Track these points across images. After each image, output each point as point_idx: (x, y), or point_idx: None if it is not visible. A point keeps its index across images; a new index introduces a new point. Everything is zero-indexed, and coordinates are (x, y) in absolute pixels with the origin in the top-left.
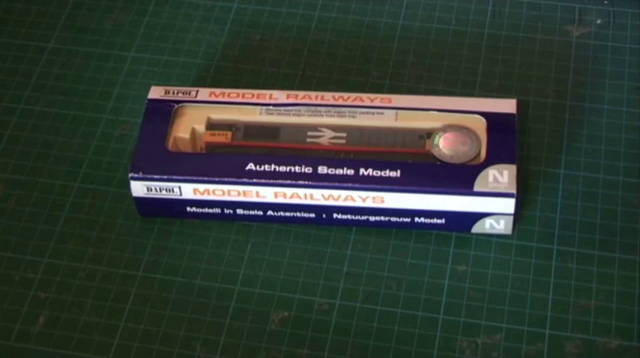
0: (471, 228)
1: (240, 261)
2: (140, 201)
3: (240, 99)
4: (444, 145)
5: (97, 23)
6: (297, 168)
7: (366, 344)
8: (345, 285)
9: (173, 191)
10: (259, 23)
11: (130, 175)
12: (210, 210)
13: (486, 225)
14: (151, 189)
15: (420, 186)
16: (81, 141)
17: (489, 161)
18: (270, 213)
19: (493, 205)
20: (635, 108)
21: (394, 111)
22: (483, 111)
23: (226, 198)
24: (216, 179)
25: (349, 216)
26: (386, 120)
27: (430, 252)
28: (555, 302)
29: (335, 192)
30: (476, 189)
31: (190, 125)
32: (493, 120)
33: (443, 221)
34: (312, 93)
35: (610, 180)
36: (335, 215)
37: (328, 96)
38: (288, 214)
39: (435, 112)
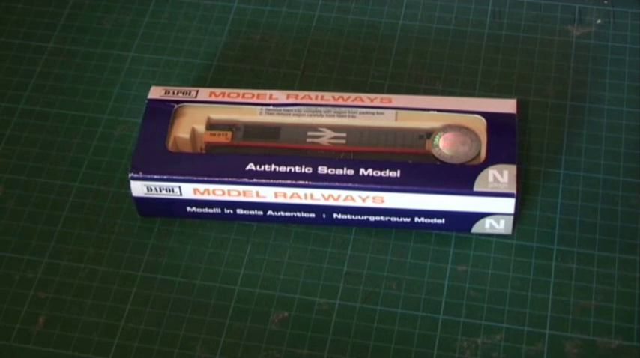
0: (471, 228)
1: (240, 261)
2: (140, 201)
3: (240, 99)
4: (444, 145)
5: (97, 23)
6: (297, 168)
7: (366, 344)
8: (345, 285)
9: (173, 191)
10: (259, 23)
11: (130, 175)
12: (210, 210)
13: (486, 225)
14: (151, 189)
15: (420, 186)
16: (81, 141)
17: (489, 161)
18: (270, 213)
19: (493, 205)
20: (635, 108)
21: (394, 111)
22: (483, 111)
23: (226, 198)
24: (216, 179)
25: (349, 216)
26: (386, 120)
27: (430, 252)
28: (555, 302)
29: (335, 192)
30: (476, 189)
31: (190, 125)
32: (493, 120)
33: (443, 221)
34: (312, 94)
35: (610, 180)
36: (335, 215)
37: (328, 96)
38: (288, 214)
39: (435, 112)
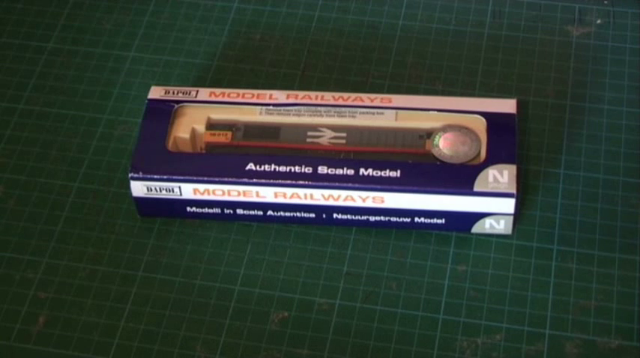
0: (471, 228)
1: (240, 261)
2: (140, 201)
3: (240, 99)
4: (444, 145)
5: (97, 23)
6: (297, 168)
7: (366, 344)
8: (345, 285)
9: (173, 191)
10: (259, 23)
11: (130, 175)
12: (210, 210)
13: (486, 225)
14: (151, 189)
15: (420, 186)
16: (81, 141)
17: (489, 161)
18: (270, 213)
19: (493, 205)
20: (635, 108)
21: (394, 111)
22: (483, 111)
23: (226, 198)
24: (216, 179)
25: (349, 216)
26: (386, 120)
27: (430, 252)
28: (555, 302)
29: (335, 192)
30: (476, 189)
31: (190, 125)
32: (493, 120)
33: (443, 221)
34: (312, 94)
35: (610, 180)
36: (335, 215)
37: (328, 96)
38: (288, 214)
39: (435, 112)
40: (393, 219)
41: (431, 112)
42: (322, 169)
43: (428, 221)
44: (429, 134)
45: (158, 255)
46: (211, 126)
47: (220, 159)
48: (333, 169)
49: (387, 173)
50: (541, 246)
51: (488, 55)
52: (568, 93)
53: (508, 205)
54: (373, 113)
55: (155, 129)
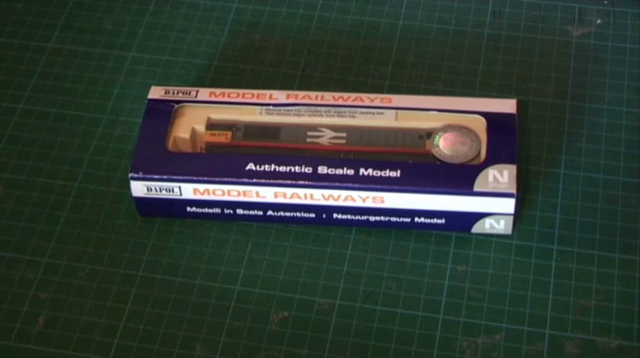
0: (471, 228)
1: (240, 261)
2: (140, 201)
3: (240, 99)
4: (444, 145)
5: (97, 23)
6: (297, 168)
7: (366, 344)
8: (345, 285)
9: (173, 191)
10: (259, 23)
11: (130, 175)
12: (210, 210)
13: (486, 225)
14: (151, 189)
15: (420, 186)
16: (81, 141)
17: (489, 161)
18: (270, 213)
19: (493, 205)
20: (635, 108)
21: (394, 111)
22: (483, 111)
23: (226, 198)
24: (216, 179)
25: (349, 216)
26: (386, 120)
27: (430, 252)
28: (555, 302)
29: (335, 192)
30: (476, 189)
31: (190, 125)
32: (493, 120)
33: (443, 221)
34: (312, 94)
35: (610, 180)
36: (335, 215)
37: (328, 96)
38: (288, 214)
39: (435, 112)
40: (393, 219)
41: (431, 112)
42: (322, 169)
43: (428, 221)
44: (429, 134)
45: (158, 255)
46: (211, 126)
47: (220, 159)
48: (333, 169)
49: (387, 173)
50: (541, 246)
51: (488, 55)
52: (568, 93)
53: (508, 205)
54: (373, 113)
55: (155, 129)
